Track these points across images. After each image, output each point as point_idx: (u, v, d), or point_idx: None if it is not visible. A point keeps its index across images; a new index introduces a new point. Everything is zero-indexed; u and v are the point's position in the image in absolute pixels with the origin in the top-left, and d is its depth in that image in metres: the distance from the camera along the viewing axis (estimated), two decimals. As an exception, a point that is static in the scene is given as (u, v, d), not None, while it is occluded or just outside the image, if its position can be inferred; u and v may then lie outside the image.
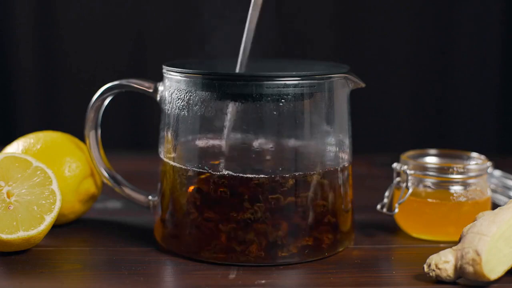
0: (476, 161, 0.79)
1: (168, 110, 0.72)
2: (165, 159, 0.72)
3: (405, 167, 0.76)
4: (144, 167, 1.00)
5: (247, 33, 0.70)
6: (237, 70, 0.70)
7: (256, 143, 0.73)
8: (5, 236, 0.68)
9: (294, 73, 0.68)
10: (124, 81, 0.75)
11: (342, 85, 0.71)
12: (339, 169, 0.71)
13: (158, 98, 0.74)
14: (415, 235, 0.77)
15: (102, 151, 0.77)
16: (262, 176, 0.67)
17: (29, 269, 0.67)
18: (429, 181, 0.76)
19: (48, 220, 0.70)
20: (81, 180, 0.78)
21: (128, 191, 0.77)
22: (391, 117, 1.27)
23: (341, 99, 0.72)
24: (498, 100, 1.27)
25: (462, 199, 0.75)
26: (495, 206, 0.79)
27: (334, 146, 0.72)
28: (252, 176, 0.67)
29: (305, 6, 1.21)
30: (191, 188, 0.69)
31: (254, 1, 0.69)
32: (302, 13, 1.21)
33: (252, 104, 0.68)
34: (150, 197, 0.76)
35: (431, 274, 0.64)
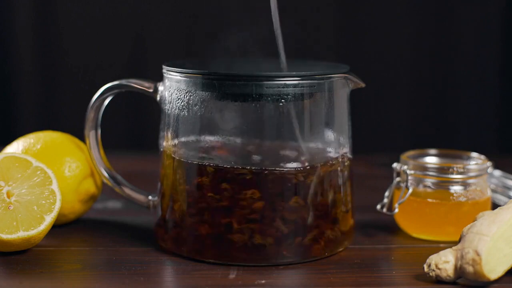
0: (476, 161, 0.79)
1: (168, 110, 0.72)
2: (165, 159, 0.72)
3: (405, 167, 0.76)
4: (144, 167, 1.00)
5: (276, 33, 0.70)
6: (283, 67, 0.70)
7: (256, 143, 0.73)
8: (5, 236, 0.68)
9: (294, 73, 0.68)
10: (124, 81, 0.75)
11: (342, 85, 0.71)
12: (339, 169, 0.71)
13: (158, 98, 0.74)
14: (415, 235, 0.77)
15: (102, 151, 0.77)
16: (262, 176, 0.67)
17: (29, 269, 0.67)
18: (429, 181, 0.76)
19: (48, 220, 0.70)
20: (81, 180, 0.78)
21: (128, 191, 0.77)
22: (391, 117, 1.27)
23: (341, 99, 0.72)
24: (498, 100, 1.27)
25: (462, 199, 0.75)
26: (495, 206, 0.79)
27: (334, 146, 0.72)
28: (252, 176, 0.67)
29: (305, 6, 1.21)
30: (191, 188, 0.69)
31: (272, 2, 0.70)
32: (302, 13, 1.21)
33: (252, 104, 0.68)
34: (150, 197, 0.76)
35: (431, 274, 0.64)
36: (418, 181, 0.77)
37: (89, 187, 0.79)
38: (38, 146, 0.77)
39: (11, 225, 0.68)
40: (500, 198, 0.87)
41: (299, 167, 0.69)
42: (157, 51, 1.22)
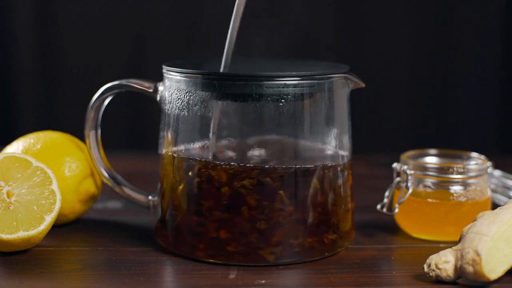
0: (476, 161, 0.79)
1: (168, 110, 0.72)
2: (165, 159, 0.72)
3: (405, 167, 0.76)
4: (144, 167, 1.00)
5: (231, 33, 0.70)
6: (221, 70, 0.70)
7: (256, 143, 0.73)
8: (5, 236, 0.68)
9: (294, 73, 0.67)
10: (124, 81, 0.75)
11: (342, 85, 0.71)
12: (339, 169, 0.71)
13: (158, 98, 0.74)
14: (415, 235, 0.77)
15: (102, 151, 0.77)
16: (262, 176, 0.67)
17: (29, 269, 0.67)
18: (429, 181, 0.76)
19: (48, 220, 0.70)
20: (81, 180, 0.78)
21: (128, 191, 0.77)
22: (391, 117, 1.27)
23: (341, 99, 0.72)
24: (498, 100, 1.27)
25: (462, 199, 0.75)
26: (495, 206, 0.79)
27: (334, 146, 0.72)
28: (252, 176, 0.67)
29: (305, 6, 1.21)
30: (191, 188, 0.69)
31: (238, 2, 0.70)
32: (302, 14, 1.21)
33: (252, 104, 0.68)
34: (150, 197, 0.76)
35: (431, 274, 0.64)
36: (418, 181, 0.77)
37: (89, 187, 0.79)
38: (38, 146, 0.77)
39: (11, 225, 0.68)
40: (500, 198, 0.87)
41: (299, 167, 0.69)
42: (157, 51, 1.22)
